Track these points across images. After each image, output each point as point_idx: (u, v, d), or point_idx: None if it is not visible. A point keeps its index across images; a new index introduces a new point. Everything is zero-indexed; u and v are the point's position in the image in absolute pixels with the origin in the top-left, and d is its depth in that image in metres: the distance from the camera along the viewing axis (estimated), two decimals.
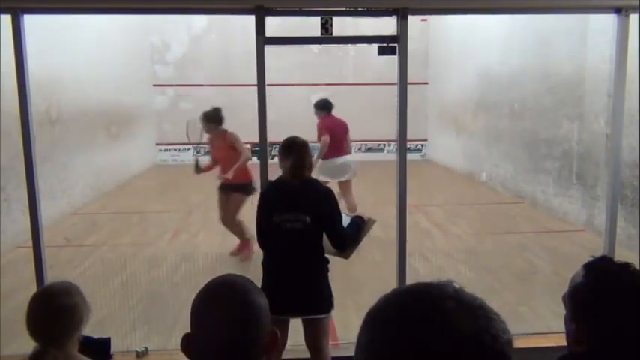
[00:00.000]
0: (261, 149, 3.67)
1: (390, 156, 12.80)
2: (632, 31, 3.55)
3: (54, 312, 1.79)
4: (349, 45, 13.19)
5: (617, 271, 1.36)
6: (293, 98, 12.48)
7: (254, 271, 3.02)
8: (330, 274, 3.10)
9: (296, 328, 3.12)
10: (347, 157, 6.61)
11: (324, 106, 6.58)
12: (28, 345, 1.83)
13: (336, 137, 6.43)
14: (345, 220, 3.15)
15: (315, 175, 7.10)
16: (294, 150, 3.05)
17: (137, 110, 12.45)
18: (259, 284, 1.43)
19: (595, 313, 1.32)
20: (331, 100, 6.71)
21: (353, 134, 6.81)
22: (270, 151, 3.98)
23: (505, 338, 0.66)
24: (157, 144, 13.90)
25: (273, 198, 3.07)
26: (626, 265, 1.37)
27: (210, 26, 13.53)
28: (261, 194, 3.17)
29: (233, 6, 3.75)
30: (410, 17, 3.48)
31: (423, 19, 13.13)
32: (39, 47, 4.50)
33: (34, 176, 3.44)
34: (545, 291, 4.75)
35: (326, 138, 6.33)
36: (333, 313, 3.12)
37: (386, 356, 0.65)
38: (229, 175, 5.62)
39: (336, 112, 6.67)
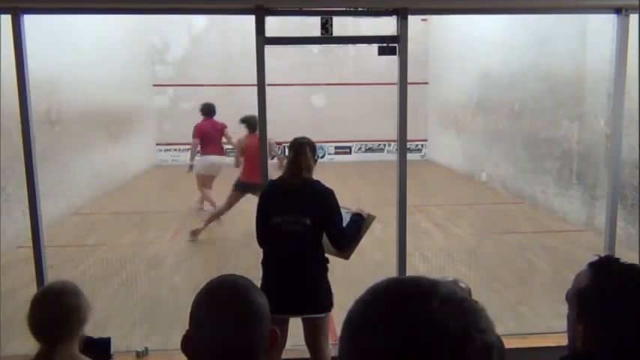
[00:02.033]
0: (261, 149, 3.67)
1: (390, 156, 12.79)
2: (632, 31, 3.55)
3: (61, 312, 1.78)
4: (349, 45, 13.20)
5: (625, 271, 1.35)
6: (293, 98, 12.49)
7: (254, 271, 3.02)
8: (329, 273, 3.10)
9: (296, 328, 3.12)
10: (217, 157, 7.67)
11: (205, 111, 7.60)
12: (28, 345, 1.82)
13: (212, 139, 7.50)
14: (345, 218, 3.14)
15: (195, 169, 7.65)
16: (292, 149, 3.08)
17: (137, 110, 12.44)
18: (258, 284, 1.43)
19: (605, 313, 1.32)
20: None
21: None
22: (270, 151, 3.99)
23: (492, 330, 0.65)
24: (157, 144, 13.92)
25: (274, 197, 3.07)
26: (633, 266, 1.36)
27: (210, 26, 13.54)
28: (262, 193, 3.16)
29: (233, 6, 3.75)
30: (410, 17, 3.49)
31: (423, 19, 13.15)
32: (39, 47, 4.49)
33: (34, 176, 3.44)
34: (545, 291, 4.75)
35: (196, 141, 7.45)
36: (333, 312, 3.11)
37: None
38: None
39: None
